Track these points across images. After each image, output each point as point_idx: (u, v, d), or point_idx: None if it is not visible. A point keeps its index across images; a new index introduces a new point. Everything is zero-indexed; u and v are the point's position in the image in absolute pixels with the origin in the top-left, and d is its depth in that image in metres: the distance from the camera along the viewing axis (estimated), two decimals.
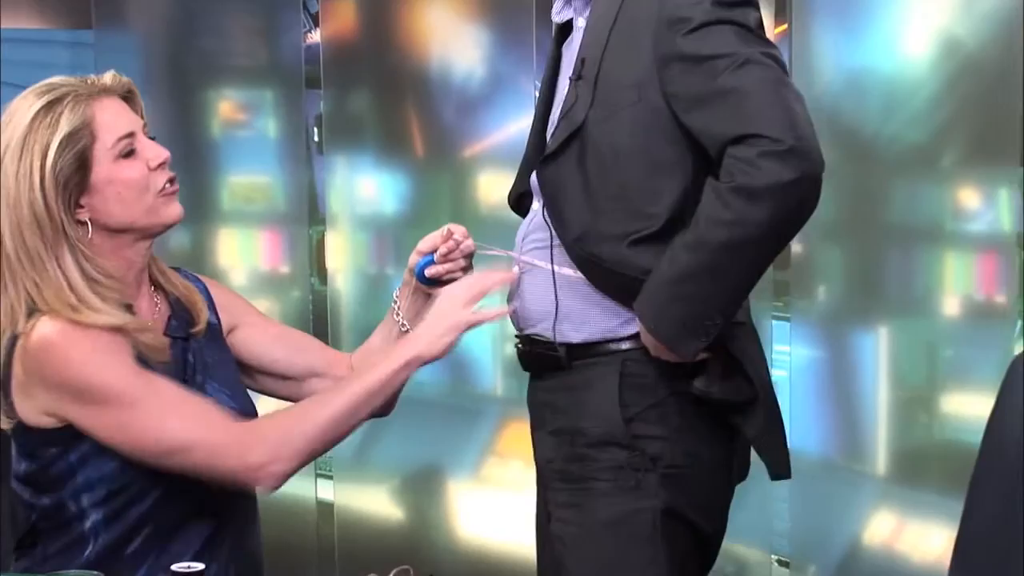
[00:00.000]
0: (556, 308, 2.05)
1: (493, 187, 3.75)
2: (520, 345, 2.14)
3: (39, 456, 2.01)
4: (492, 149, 3.75)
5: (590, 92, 2.01)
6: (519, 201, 2.18)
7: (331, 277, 4.05)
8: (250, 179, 4.21)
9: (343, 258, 4.04)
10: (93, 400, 1.96)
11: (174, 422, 1.97)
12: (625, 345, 2.03)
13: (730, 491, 2.15)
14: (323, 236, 4.07)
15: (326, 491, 4.09)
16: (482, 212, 3.78)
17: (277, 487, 2.02)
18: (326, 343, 3.85)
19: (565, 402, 2.07)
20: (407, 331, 2.20)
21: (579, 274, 2.04)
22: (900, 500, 3.14)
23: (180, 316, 2.12)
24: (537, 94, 2.21)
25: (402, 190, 3.95)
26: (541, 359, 2.10)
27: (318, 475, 4.07)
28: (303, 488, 4.07)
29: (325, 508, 4.10)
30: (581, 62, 2.04)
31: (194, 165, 4.10)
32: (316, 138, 4.07)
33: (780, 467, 2.09)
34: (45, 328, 1.96)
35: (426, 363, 2.07)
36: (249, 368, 2.22)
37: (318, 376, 2.23)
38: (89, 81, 2.04)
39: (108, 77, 2.05)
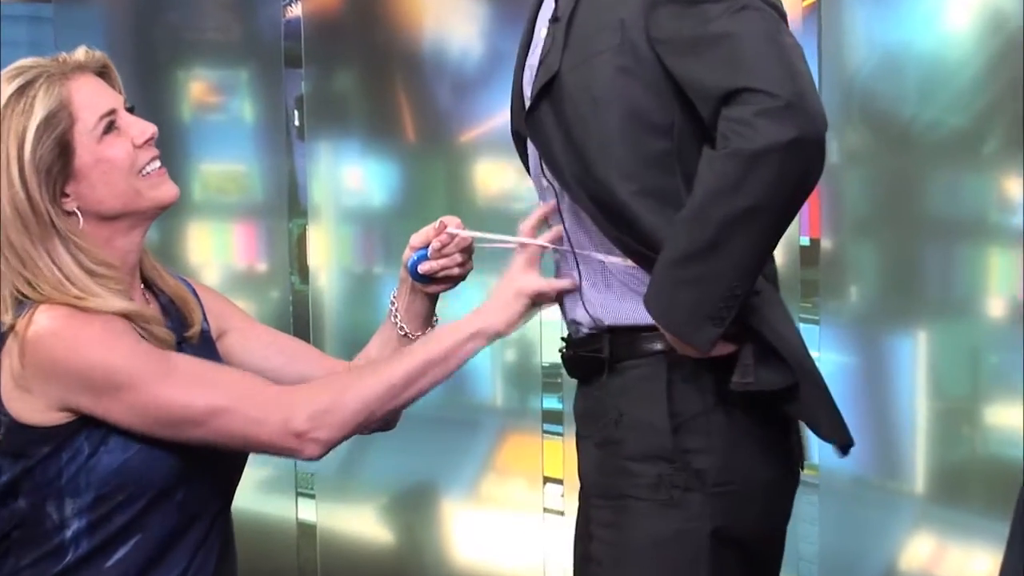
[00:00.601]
0: (580, 290, 2.08)
1: (492, 176, 3.75)
2: (564, 349, 2.16)
3: (29, 455, 2.01)
4: (490, 134, 3.75)
5: (563, 35, 2.01)
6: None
7: (313, 275, 4.05)
8: (224, 167, 4.21)
9: (326, 254, 4.04)
10: (110, 384, 1.97)
11: (202, 390, 1.99)
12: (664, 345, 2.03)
13: (789, 507, 2.14)
14: (304, 230, 4.07)
15: (307, 511, 4.09)
16: (480, 203, 3.78)
17: (319, 457, 2.03)
18: None
19: (606, 409, 2.08)
20: (406, 336, 2.21)
21: (604, 257, 2.05)
22: (940, 521, 3.14)
23: (173, 317, 2.14)
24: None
25: (391, 179, 3.95)
26: (584, 362, 2.11)
27: (299, 493, 4.07)
28: (282, 507, 4.07)
29: (307, 529, 4.10)
30: (556, 1, 2.04)
31: (162, 152, 4.09)
32: (297, 122, 4.07)
33: (841, 437, 2.07)
34: (45, 318, 1.97)
35: (493, 338, 2.08)
36: None
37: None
38: (61, 59, 2.04)
39: (80, 53, 2.06)
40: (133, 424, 1.99)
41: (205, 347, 2.17)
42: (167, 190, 2.09)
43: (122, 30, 4.28)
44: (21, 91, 2.00)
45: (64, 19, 4.24)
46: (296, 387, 2.06)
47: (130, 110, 2.09)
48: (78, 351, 1.97)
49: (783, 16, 1.96)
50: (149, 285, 2.15)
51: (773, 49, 1.89)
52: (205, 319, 2.19)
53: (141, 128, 2.07)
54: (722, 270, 1.91)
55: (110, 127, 2.04)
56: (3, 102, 1.99)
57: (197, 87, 4.25)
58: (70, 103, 2.01)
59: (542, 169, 2.08)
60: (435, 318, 2.24)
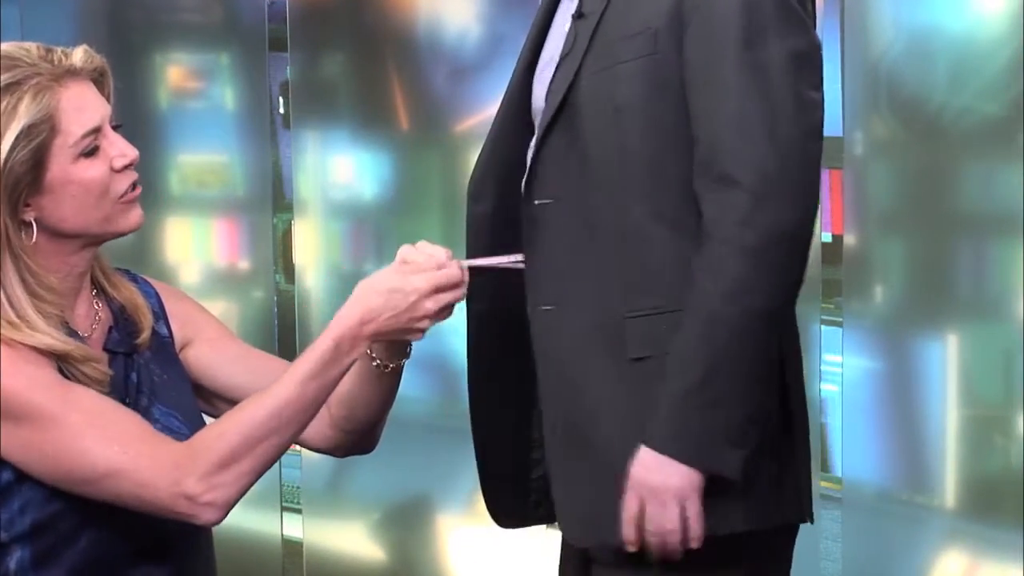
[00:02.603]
0: None
1: None
2: None
3: None
4: (489, 123, 3.74)
5: (589, 34, 2.00)
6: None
7: (299, 274, 4.05)
8: (203, 158, 4.21)
9: (314, 252, 4.04)
10: (8, 415, 1.96)
11: (94, 443, 1.96)
12: None
13: None
14: (290, 226, 4.07)
15: (294, 527, 4.09)
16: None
17: (221, 519, 2.01)
18: (294, 352, 3.88)
19: None
20: (380, 367, 2.17)
21: None
22: (972, 538, 3.14)
23: (123, 327, 2.12)
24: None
25: (383, 171, 3.95)
26: None
27: (284, 508, 4.07)
28: (267, 523, 4.07)
29: (293, 547, 4.10)
30: None
31: (137, 143, 4.06)
32: (282, 110, 4.07)
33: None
34: None
35: (374, 336, 2.04)
36: (203, 390, 2.22)
37: None
38: (56, 59, 2.02)
39: (79, 56, 2.04)
40: (29, 465, 1.97)
41: (160, 352, 2.15)
42: (131, 218, 2.07)
43: (94, 11, 4.28)
44: (8, 89, 1.98)
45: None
46: (187, 443, 2.01)
47: (116, 128, 2.08)
48: None
49: (809, 59, 1.96)
50: (100, 292, 2.13)
51: (760, 115, 1.90)
52: (166, 324, 2.18)
53: (122, 150, 2.06)
54: (740, 385, 1.92)
55: (92, 150, 2.03)
56: None
57: (175, 72, 4.25)
58: (56, 114, 1.99)
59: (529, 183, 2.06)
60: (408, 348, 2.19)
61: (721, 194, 1.90)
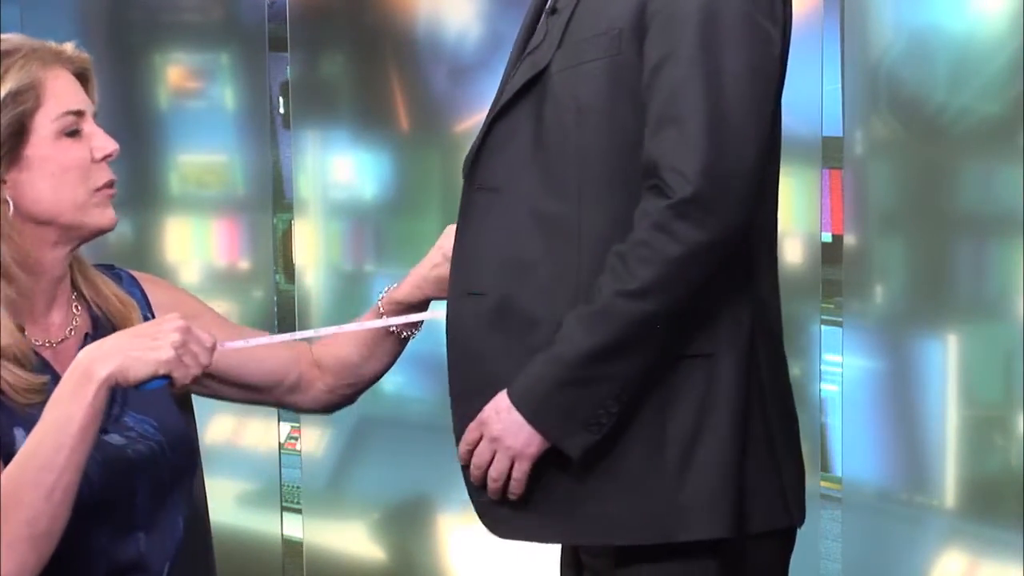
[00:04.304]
0: None
1: None
2: None
3: None
4: None
5: (560, 31, 2.00)
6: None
7: (299, 274, 4.06)
8: (203, 158, 4.21)
9: (314, 252, 4.04)
10: None
11: None
12: None
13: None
14: (290, 226, 4.07)
15: (293, 527, 4.09)
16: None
17: None
18: None
19: None
20: (396, 335, 2.24)
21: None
22: (972, 538, 3.15)
23: (103, 331, 2.10)
24: None
25: (383, 171, 3.96)
26: None
27: (284, 508, 4.08)
28: (266, 523, 4.07)
29: (293, 547, 4.10)
30: None
31: (137, 142, 4.10)
32: (281, 110, 4.08)
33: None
34: None
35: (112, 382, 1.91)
36: (204, 377, 2.22)
37: (284, 383, 2.26)
38: (47, 46, 2.05)
39: (68, 47, 2.07)
40: None
41: None
42: (104, 216, 2.07)
43: (94, 11, 4.29)
44: None
45: None
46: None
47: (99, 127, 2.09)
48: None
49: (783, 26, 1.96)
50: (81, 297, 2.13)
51: (708, 119, 1.89)
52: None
53: (103, 142, 2.06)
54: (617, 374, 1.92)
55: (74, 131, 2.04)
56: None
57: (175, 72, 4.25)
58: (42, 86, 2.01)
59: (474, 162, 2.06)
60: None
61: (655, 199, 1.90)
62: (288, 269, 4.09)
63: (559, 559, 2.22)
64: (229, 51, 4.17)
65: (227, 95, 4.19)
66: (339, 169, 4.02)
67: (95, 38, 4.19)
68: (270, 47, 4.04)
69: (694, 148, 1.89)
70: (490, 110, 2.09)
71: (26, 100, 2.00)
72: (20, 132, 2.01)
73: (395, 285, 2.30)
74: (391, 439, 3.95)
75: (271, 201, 4.11)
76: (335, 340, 2.30)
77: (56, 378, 1.97)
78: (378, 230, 3.95)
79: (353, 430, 3.90)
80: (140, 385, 1.91)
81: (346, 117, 4.00)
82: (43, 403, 1.93)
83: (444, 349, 2.11)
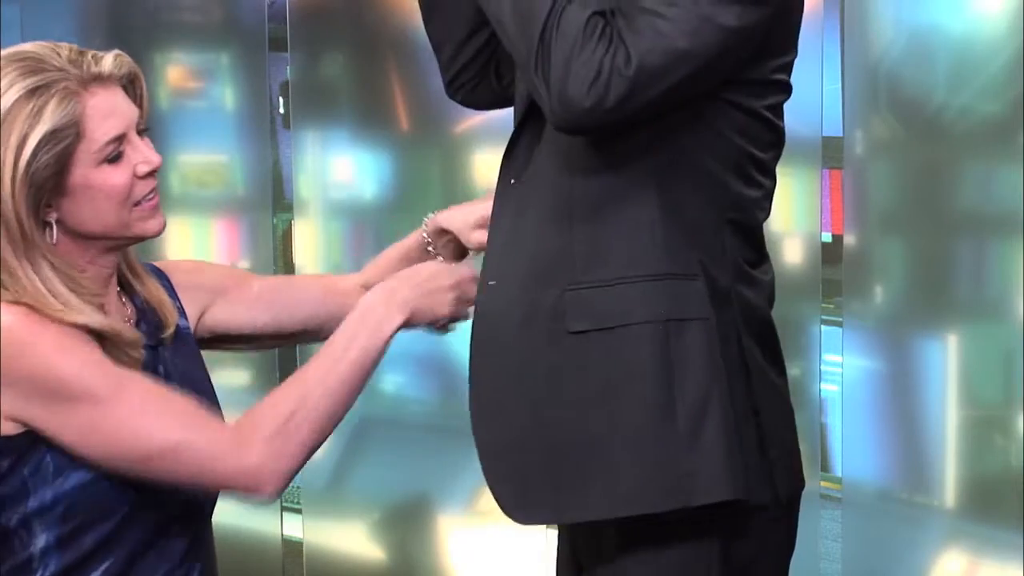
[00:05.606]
0: None
1: (490, 167, 3.74)
2: None
3: None
4: (489, 123, 3.75)
5: None
6: None
7: (299, 274, 4.06)
8: (203, 158, 4.22)
9: (314, 252, 4.05)
10: (61, 396, 1.97)
11: (154, 420, 1.99)
12: None
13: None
14: (290, 226, 4.07)
15: (293, 527, 4.09)
16: (478, 196, 3.78)
17: (282, 490, 2.04)
18: (294, 352, 3.89)
19: None
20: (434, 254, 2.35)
21: None
22: (972, 538, 3.15)
23: (149, 320, 2.14)
24: None
25: (383, 171, 3.96)
26: None
27: (284, 508, 4.08)
28: (267, 523, 4.07)
29: (293, 547, 4.10)
30: None
31: None
32: (281, 110, 4.08)
33: None
34: (5, 316, 1.97)
35: (404, 304, 2.12)
36: (244, 337, 2.30)
37: (329, 324, 2.26)
38: (86, 64, 2.02)
39: (108, 62, 2.04)
40: (84, 445, 1.99)
41: (181, 347, 2.18)
42: (155, 224, 2.09)
43: (94, 11, 4.29)
44: (33, 92, 1.98)
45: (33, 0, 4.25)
46: (242, 421, 2.05)
47: (144, 131, 2.09)
48: (35, 356, 1.97)
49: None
50: (125, 288, 2.16)
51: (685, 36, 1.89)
52: (182, 310, 2.21)
53: (146, 157, 2.07)
54: None
55: (116, 157, 2.04)
56: (13, 98, 1.98)
57: (175, 72, 4.26)
58: (81, 119, 2.00)
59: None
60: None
61: (609, 44, 1.88)
62: (288, 269, 4.09)
63: (555, 559, 2.22)
64: (229, 51, 4.17)
65: (227, 95, 4.19)
66: (339, 169, 4.02)
67: (95, 38, 4.19)
68: (270, 47, 4.05)
69: (652, 47, 1.88)
70: (516, 112, 2.12)
71: (66, 137, 1.99)
72: (62, 168, 2.00)
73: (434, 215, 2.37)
74: (391, 439, 3.95)
75: (271, 201, 4.11)
76: (386, 265, 2.34)
77: None
78: (378, 230, 3.95)
79: (353, 430, 3.90)
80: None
81: (346, 117, 4.00)
82: None
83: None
